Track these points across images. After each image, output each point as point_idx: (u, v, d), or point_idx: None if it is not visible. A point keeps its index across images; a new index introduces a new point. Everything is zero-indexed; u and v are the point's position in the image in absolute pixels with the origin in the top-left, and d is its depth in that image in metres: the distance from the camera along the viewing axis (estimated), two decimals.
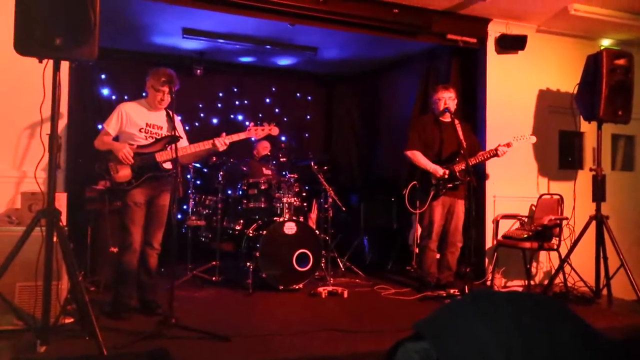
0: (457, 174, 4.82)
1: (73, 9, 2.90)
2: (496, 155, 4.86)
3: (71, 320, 3.46)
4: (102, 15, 2.98)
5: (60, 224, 2.98)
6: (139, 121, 3.92)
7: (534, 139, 5.03)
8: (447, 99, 4.94)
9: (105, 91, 6.78)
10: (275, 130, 4.21)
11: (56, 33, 2.86)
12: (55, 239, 2.96)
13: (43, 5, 2.85)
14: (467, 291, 4.55)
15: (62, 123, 4.30)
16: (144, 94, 4.05)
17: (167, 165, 3.93)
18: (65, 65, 3.92)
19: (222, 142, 3.95)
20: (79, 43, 2.92)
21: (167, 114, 4.03)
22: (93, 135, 4.10)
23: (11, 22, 2.84)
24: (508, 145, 4.87)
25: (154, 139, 3.93)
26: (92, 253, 4.83)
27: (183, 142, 4.08)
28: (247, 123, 7.57)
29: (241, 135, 4.12)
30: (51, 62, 2.97)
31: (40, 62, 2.94)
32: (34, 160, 3.31)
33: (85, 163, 4.77)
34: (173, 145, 3.70)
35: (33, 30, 2.84)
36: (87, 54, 2.95)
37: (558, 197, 5.47)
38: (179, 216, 5.99)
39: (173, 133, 3.87)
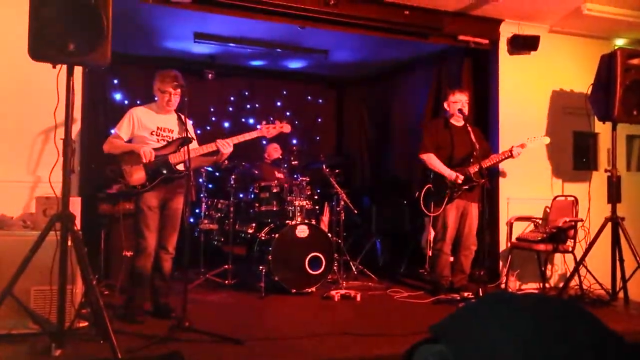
0: (472, 176, 4.79)
1: (86, 15, 2.92)
2: (511, 156, 4.83)
3: (85, 324, 3.47)
4: (114, 21, 3.00)
5: (75, 228, 3.00)
6: (150, 124, 3.94)
7: (547, 140, 4.98)
8: (464, 102, 4.92)
9: (118, 96, 6.83)
10: (287, 128, 4.19)
11: (69, 38, 2.88)
12: (69, 243, 2.97)
13: (56, 11, 2.87)
14: (481, 294, 4.51)
15: (76, 128, 4.33)
16: (155, 98, 4.08)
17: (181, 167, 3.94)
18: (78, 71, 3.95)
19: (225, 144, 3.94)
20: (92, 48, 2.94)
21: (179, 117, 4.04)
22: (106, 140, 4.13)
23: (25, 29, 2.87)
24: (522, 146, 4.84)
25: (166, 142, 3.95)
26: (106, 257, 4.86)
27: (194, 145, 4.09)
28: (258, 127, 7.59)
29: (253, 134, 4.11)
30: (65, 67, 3.00)
31: (54, 67, 2.97)
32: (48, 165, 3.34)
33: (99, 167, 4.80)
34: (185, 147, 3.69)
35: (47, 36, 2.86)
36: (100, 59, 2.97)
37: (573, 198, 5.41)
38: (192, 220, 6.01)
39: (185, 135, 3.87)
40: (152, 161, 3.81)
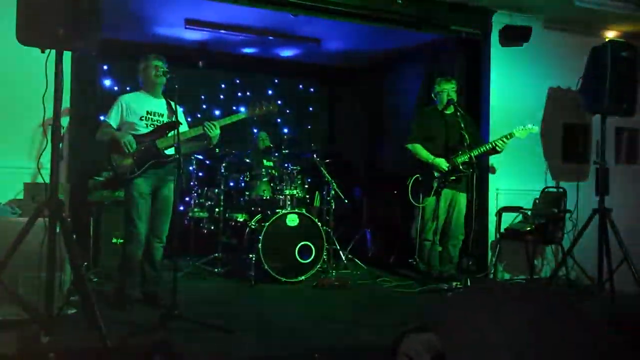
0: (460, 166, 4.81)
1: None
2: (495, 150, 4.86)
3: (74, 311, 3.46)
4: (104, 6, 2.96)
5: (63, 214, 2.98)
6: (139, 110, 3.92)
7: (536, 129, 5.00)
8: (450, 90, 4.93)
9: (108, 82, 6.77)
10: (274, 107, 4.16)
11: (59, 23, 2.84)
12: (58, 229, 2.95)
13: None
14: (469, 284, 4.54)
15: (65, 114, 4.28)
16: (140, 84, 4.06)
17: (169, 152, 3.92)
18: (67, 56, 3.91)
19: (212, 126, 3.92)
20: (81, 33, 2.90)
21: (168, 103, 4.02)
22: (95, 126, 4.10)
23: (14, 12, 2.82)
24: (510, 136, 4.85)
25: (155, 127, 3.93)
26: (95, 244, 4.84)
27: (183, 129, 4.08)
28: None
29: (240, 116, 4.09)
30: (54, 52, 2.96)
31: (43, 52, 2.93)
32: (36, 151, 3.30)
33: (88, 154, 4.77)
34: (174, 132, 3.66)
35: (35, 20, 2.82)
36: (90, 44, 2.94)
37: (561, 190, 5.45)
38: (182, 208, 5.99)
39: (174, 119, 3.84)
40: (136, 149, 3.80)
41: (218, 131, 3.97)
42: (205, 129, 3.93)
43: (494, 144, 4.85)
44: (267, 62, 7.55)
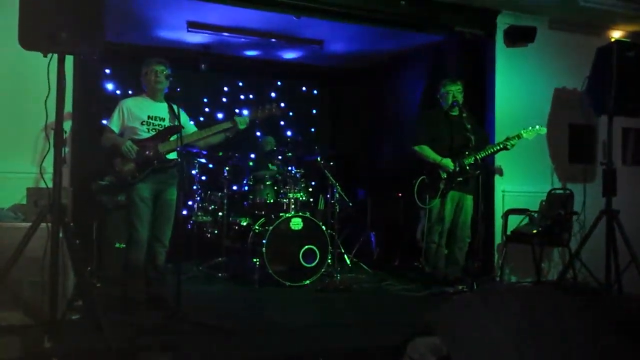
0: (467, 167, 4.77)
1: (78, 3, 2.87)
2: (505, 148, 4.82)
3: (78, 316, 3.45)
4: (107, 9, 2.95)
5: (66, 219, 2.96)
6: (140, 114, 3.92)
7: (544, 130, 4.97)
8: (455, 92, 4.90)
9: (110, 86, 6.77)
10: (277, 110, 4.19)
11: (61, 27, 2.83)
12: (61, 234, 2.94)
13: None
14: (475, 287, 4.51)
15: (67, 118, 4.27)
16: (144, 88, 4.06)
17: (171, 157, 3.91)
18: (70, 60, 3.91)
19: (244, 121, 4.00)
20: (84, 37, 2.89)
21: (170, 107, 4.00)
22: (98, 130, 4.11)
23: (16, 17, 2.82)
24: (517, 137, 4.82)
25: (156, 131, 3.92)
26: (98, 248, 4.83)
27: (191, 129, 4.08)
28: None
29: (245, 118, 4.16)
30: (56, 56, 2.95)
31: (45, 56, 2.92)
32: (39, 155, 3.29)
33: (91, 158, 4.76)
34: (177, 136, 3.65)
35: (38, 24, 2.81)
36: (92, 48, 2.93)
37: (568, 192, 5.41)
38: (185, 212, 5.98)
39: (176, 123, 3.83)
40: (138, 154, 3.79)
41: (248, 119, 4.04)
42: (237, 122, 4.00)
43: (501, 145, 4.83)
44: (269, 64, 7.53)
